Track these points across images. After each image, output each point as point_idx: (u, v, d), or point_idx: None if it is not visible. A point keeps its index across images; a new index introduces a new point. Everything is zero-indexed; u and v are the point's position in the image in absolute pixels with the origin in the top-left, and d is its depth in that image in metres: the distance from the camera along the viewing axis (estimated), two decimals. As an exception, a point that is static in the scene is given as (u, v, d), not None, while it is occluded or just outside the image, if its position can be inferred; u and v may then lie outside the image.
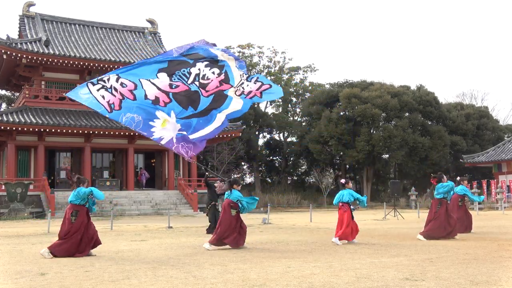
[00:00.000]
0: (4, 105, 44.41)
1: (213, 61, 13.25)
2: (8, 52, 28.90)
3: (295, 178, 52.17)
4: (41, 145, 29.87)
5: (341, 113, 42.92)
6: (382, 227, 16.59)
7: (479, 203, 28.65)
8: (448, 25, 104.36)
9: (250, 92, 12.85)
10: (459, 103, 55.33)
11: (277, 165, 51.37)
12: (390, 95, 42.58)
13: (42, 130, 28.73)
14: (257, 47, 52.08)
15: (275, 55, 52.79)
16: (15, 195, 25.77)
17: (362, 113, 40.80)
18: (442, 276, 6.51)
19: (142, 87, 12.93)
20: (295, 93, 53.24)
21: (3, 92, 43.52)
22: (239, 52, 51.54)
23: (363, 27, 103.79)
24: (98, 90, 12.92)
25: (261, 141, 50.70)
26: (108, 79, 12.86)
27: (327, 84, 51.57)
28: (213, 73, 12.86)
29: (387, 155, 43.47)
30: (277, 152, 50.54)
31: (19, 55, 29.21)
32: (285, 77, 53.00)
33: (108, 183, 31.66)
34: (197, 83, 12.90)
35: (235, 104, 12.99)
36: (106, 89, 12.83)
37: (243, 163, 47.90)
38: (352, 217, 11.11)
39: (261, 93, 12.84)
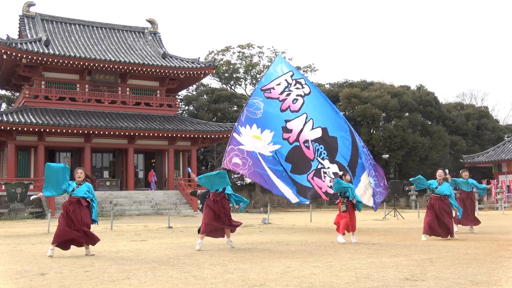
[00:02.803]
0: (4, 105, 44.39)
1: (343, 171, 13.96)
2: (8, 52, 28.90)
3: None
4: (41, 145, 29.87)
5: (341, 113, 42.88)
6: (382, 227, 16.59)
7: (479, 203, 28.67)
8: (448, 25, 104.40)
9: None
10: (459, 103, 55.33)
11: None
12: (390, 95, 42.59)
13: (42, 130, 28.72)
14: (257, 47, 52.06)
15: (275, 55, 52.74)
16: (15, 195, 25.76)
17: (362, 113, 40.80)
18: (442, 276, 6.51)
19: (297, 116, 13.76)
20: (295, 93, 53.14)
21: (3, 92, 43.51)
22: (239, 52, 51.53)
23: (363, 27, 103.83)
24: (286, 79, 13.88)
25: (261, 141, 50.57)
26: (302, 87, 13.77)
27: (327, 84, 51.56)
28: (330, 182, 13.70)
29: (387, 155, 43.46)
30: (277, 152, 50.45)
31: (19, 55, 29.21)
32: (285, 77, 52.91)
33: (108, 183, 31.68)
34: (319, 165, 13.60)
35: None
36: (287, 86, 13.71)
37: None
38: (344, 210, 11.15)
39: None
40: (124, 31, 37.56)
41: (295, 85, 14.16)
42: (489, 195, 35.93)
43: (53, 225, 16.23)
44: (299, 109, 14.01)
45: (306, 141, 13.82)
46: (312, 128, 13.92)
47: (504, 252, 9.05)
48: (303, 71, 53.57)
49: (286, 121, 13.89)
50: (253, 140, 13.57)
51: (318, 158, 13.84)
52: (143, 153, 35.52)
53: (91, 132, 29.92)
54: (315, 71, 54.99)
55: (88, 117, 31.02)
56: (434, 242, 10.98)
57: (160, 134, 31.61)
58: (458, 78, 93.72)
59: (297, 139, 13.85)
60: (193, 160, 34.30)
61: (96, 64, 31.52)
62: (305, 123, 13.89)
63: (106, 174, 34.37)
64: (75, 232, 9.07)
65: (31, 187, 27.42)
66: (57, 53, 30.41)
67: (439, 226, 11.50)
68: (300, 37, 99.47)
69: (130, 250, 10.25)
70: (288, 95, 14.03)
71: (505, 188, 35.75)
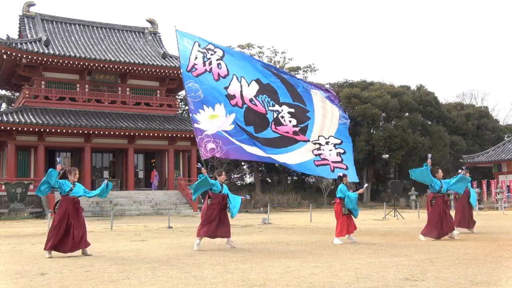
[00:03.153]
0: (4, 105, 44.41)
1: (301, 110, 13.65)
2: (8, 52, 28.90)
3: (295, 178, 52.15)
4: (41, 145, 29.86)
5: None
6: (382, 227, 16.59)
7: (479, 203, 28.68)
8: (448, 25, 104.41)
9: (325, 160, 13.22)
10: (459, 103, 55.36)
11: (277, 165, 51.37)
12: (390, 95, 42.60)
13: (42, 130, 28.72)
14: (257, 47, 52.01)
15: (275, 55, 52.73)
16: (15, 195, 25.76)
17: (362, 113, 40.82)
18: (442, 276, 6.51)
19: (231, 80, 13.54)
20: (295, 93, 53.19)
21: (3, 92, 43.52)
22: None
23: (363, 27, 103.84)
24: (198, 50, 13.53)
25: (261, 141, 50.60)
26: (215, 52, 13.56)
27: (327, 84, 51.52)
28: (290, 122, 13.47)
29: (387, 155, 43.48)
30: (277, 152, 50.45)
31: (19, 55, 29.21)
32: (285, 77, 52.99)
33: (108, 183, 31.61)
34: (274, 114, 13.54)
35: (300, 155, 13.49)
36: (204, 56, 13.51)
37: (243, 163, 47.89)
38: (344, 213, 11.09)
39: (334, 168, 13.00)
40: (124, 31, 37.56)
41: (208, 52, 14.01)
42: (489, 195, 35.94)
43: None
44: (228, 72, 13.84)
45: (251, 100, 13.70)
46: (248, 85, 13.77)
47: (504, 252, 9.05)
48: (303, 71, 53.60)
49: (225, 88, 13.74)
50: (211, 121, 13.44)
51: (269, 108, 13.76)
52: (143, 153, 35.51)
53: (91, 132, 29.91)
54: (315, 71, 54.97)
55: (88, 117, 31.01)
56: (434, 242, 10.98)
57: (160, 134, 31.62)
58: (458, 78, 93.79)
59: (243, 102, 13.69)
60: (193, 160, 34.28)
61: (96, 64, 31.51)
62: (240, 83, 13.75)
63: (106, 174, 34.34)
64: (69, 239, 9.07)
65: (31, 187, 27.42)
66: (57, 53, 30.41)
67: (440, 227, 11.47)
68: (300, 37, 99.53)
69: (130, 250, 10.25)
70: (210, 63, 13.82)
71: (505, 188, 35.75)
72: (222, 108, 13.50)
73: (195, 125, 13.37)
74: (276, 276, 6.61)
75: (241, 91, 13.59)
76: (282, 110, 13.71)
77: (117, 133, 30.28)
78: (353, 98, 41.93)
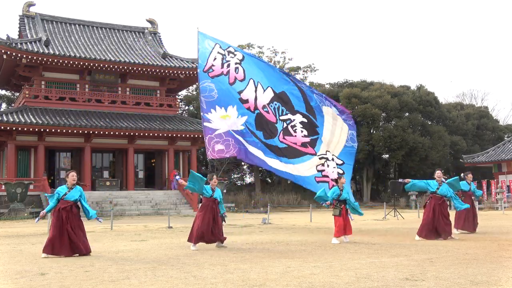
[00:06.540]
0: (4, 105, 44.40)
1: (311, 122, 13.91)
2: (8, 52, 28.89)
3: (295, 178, 52.12)
4: (41, 145, 29.86)
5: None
6: (382, 227, 16.60)
7: (479, 203, 28.68)
8: (448, 25, 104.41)
9: (326, 177, 13.34)
10: (459, 103, 55.40)
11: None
12: (390, 95, 42.60)
13: (42, 130, 28.72)
14: (257, 47, 52.00)
15: (275, 55, 52.72)
16: (15, 195, 25.75)
17: (362, 113, 40.81)
18: (442, 276, 6.51)
19: (247, 85, 13.71)
20: (295, 93, 53.23)
21: (3, 92, 43.51)
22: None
23: (363, 27, 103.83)
24: (218, 52, 13.96)
25: (261, 141, 50.65)
26: (235, 55, 13.73)
27: (327, 84, 51.54)
28: (302, 132, 13.62)
29: (387, 155, 43.47)
30: (277, 152, 50.50)
31: (19, 55, 29.20)
32: (285, 77, 53.03)
33: (108, 183, 31.66)
34: (284, 124, 13.66)
35: (305, 169, 13.65)
36: (223, 58, 13.68)
37: (243, 163, 47.86)
38: (337, 214, 11.27)
39: (332, 186, 13.25)
40: (124, 31, 37.56)
41: (228, 54, 14.15)
42: (489, 195, 35.91)
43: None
44: (244, 76, 13.98)
45: (264, 106, 13.81)
46: (264, 91, 13.89)
47: (504, 252, 9.05)
48: (303, 71, 53.56)
49: (239, 92, 13.85)
50: (223, 121, 13.59)
51: (280, 117, 13.86)
52: (143, 153, 35.52)
53: (91, 132, 29.92)
54: (315, 71, 54.96)
55: (88, 117, 31.01)
56: (434, 242, 10.98)
57: (160, 134, 31.62)
58: (458, 78, 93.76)
59: (256, 107, 13.83)
60: (193, 160, 34.29)
61: (96, 64, 31.51)
62: (256, 88, 13.87)
63: (106, 174, 34.35)
64: (67, 242, 9.04)
65: (31, 187, 27.42)
66: (57, 53, 30.41)
67: (434, 229, 11.45)
68: (300, 37, 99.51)
69: (130, 250, 10.25)
70: (228, 66, 13.97)
71: (505, 188, 35.74)
72: (234, 110, 13.71)
73: (205, 123, 13.48)
74: (276, 276, 6.61)
75: (255, 97, 13.81)
76: (294, 120, 13.82)
77: (117, 133, 30.28)
78: (353, 98, 41.93)
